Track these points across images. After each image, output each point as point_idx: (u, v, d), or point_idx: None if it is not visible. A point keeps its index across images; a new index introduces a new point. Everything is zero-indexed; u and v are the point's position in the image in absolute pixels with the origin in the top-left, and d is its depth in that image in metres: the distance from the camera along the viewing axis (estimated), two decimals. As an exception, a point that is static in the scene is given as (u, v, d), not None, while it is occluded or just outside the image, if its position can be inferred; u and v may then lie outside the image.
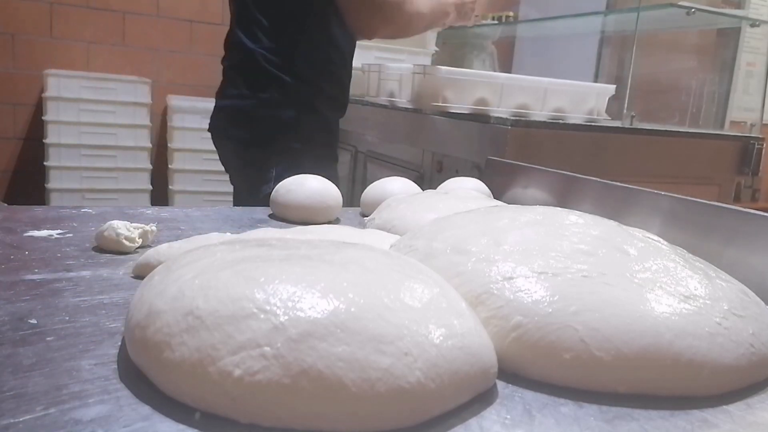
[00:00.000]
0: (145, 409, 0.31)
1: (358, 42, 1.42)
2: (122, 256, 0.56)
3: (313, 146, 1.24)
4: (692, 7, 1.65)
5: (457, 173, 1.32)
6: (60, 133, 2.59)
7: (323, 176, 1.23)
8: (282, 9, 1.21)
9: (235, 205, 1.39)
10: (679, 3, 1.64)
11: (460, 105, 1.40)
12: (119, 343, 0.38)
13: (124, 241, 0.57)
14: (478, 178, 0.89)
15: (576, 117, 1.48)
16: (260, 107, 1.22)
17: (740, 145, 1.54)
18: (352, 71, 1.38)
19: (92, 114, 2.63)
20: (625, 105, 1.63)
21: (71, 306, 0.44)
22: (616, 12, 2.24)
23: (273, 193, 0.78)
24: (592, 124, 1.48)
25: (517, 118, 1.34)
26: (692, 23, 1.86)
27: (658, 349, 0.36)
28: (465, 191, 0.82)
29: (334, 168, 1.32)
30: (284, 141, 1.22)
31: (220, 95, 1.30)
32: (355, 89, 1.83)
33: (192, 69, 2.84)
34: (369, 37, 1.29)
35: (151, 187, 2.74)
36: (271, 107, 1.21)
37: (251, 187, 1.27)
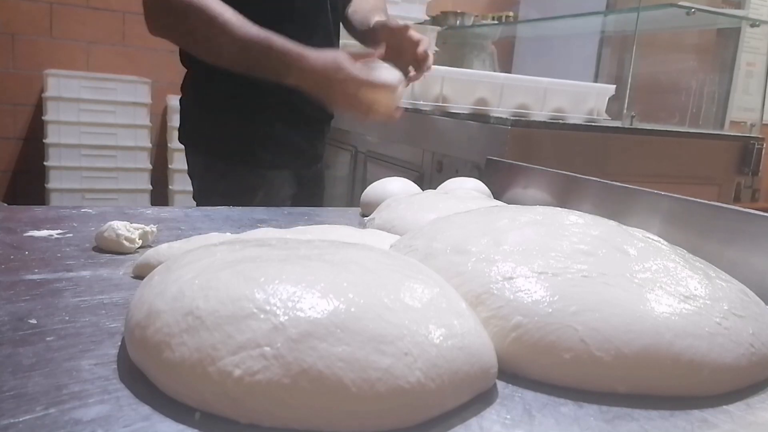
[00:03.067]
0: (145, 409, 0.31)
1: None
2: (122, 256, 0.56)
3: (225, 148, 1.09)
4: (692, 7, 1.65)
5: (457, 173, 1.32)
6: (60, 133, 2.59)
7: (243, 183, 1.05)
8: None
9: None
10: (679, 3, 1.64)
11: (460, 105, 1.40)
12: (119, 343, 0.38)
13: (124, 241, 0.57)
14: (478, 178, 0.89)
15: (576, 117, 1.48)
16: (182, 105, 1.18)
17: (740, 145, 1.54)
18: None
19: (92, 114, 2.63)
20: (625, 105, 1.63)
21: (71, 306, 0.44)
22: (616, 12, 2.24)
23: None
24: (592, 124, 1.47)
25: (517, 118, 1.34)
26: (692, 23, 1.86)
27: (658, 349, 0.36)
28: (465, 191, 0.82)
29: (260, 174, 1.10)
30: (195, 140, 1.14)
31: None
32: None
33: (192, 69, 2.84)
34: (150, 29, 0.96)
35: (151, 187, 2.74)
36: (184, 105, 1.16)
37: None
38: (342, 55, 0.91)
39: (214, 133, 1.10)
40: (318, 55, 0.91)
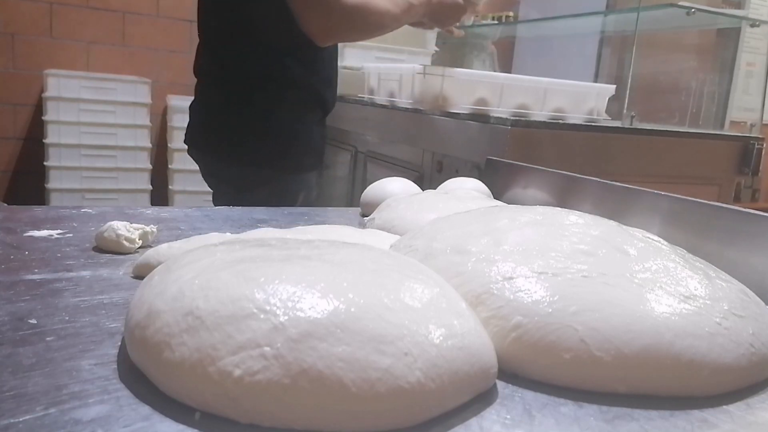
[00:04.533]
0: (145, 409, 0.31)
1: (357, 42, 1.38)
2: (122, 256, 0.56)
3: (276, 156, 1.14)
4: (692, 7, 1.65)
5: (457, 173, 1.32)
6: (60, 133, 2.59)
7: (289, 191, 1.14)
8: (242, 15, 1.12)
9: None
10: (679, 3, 1.64)
11: (460, 105, 1.40)
12: (119, 343, 0.38)
13: (124, 242, 0.57)
14: (478, 178, 0.89)
15: (576, 117, 1.48)
16: (218, 111, 1.17)
17: (740, 145, 1.54)
18: (351, 71, 1.37)
19: (92, 114, 2.63)
20: (625, 105, 1.63)
21: (71, 306, 0.44)
22: (616, 12, 2.24)
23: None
24: (592, 124, 1.47)
25: (517, 118, 1.34)
26: (692, 23, 1.86)
27: (658, 349, 0.36)
28: (465, 191, 0.82)
29: (302, 180, 1.19)
30: (242, 150, 1.14)
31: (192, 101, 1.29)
32: (355, 89, 1.84)
33: (192, 69, 2.84)
34: (324, 42, 1.11)
35: (151, 187, 2.74)
36: (228, 113, 1.15)
37: (216, 195, 1.24)
38: None
39: (254, 141, 1.13)
40: None
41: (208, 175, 1.24)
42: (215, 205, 1.16)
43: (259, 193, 1.14)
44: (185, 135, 1.25)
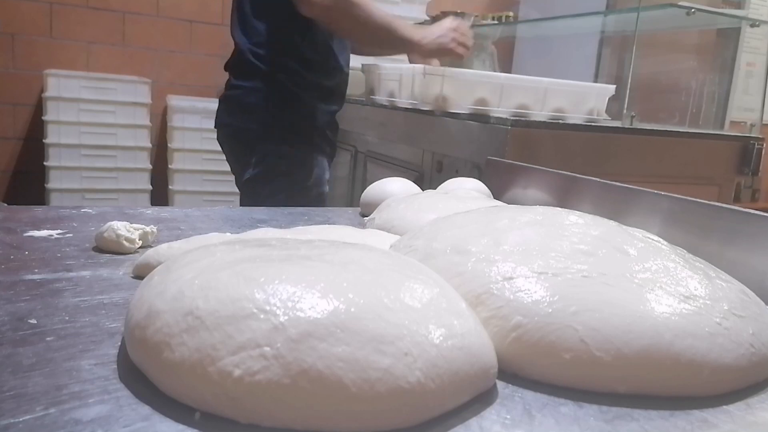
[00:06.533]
0: (145, 409, 0.31)
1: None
2: (122, 256, 0.56)
3: (294, 134, 1.29)
4: (692, 7, 1.65)
5: (457, 173, 1.32)
6: (60, 133, 2.59)
7: (304, 165, 1.30)
8: (270, 9, 1.29)
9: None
10: (679, 3, 1.64)
11: (460, 105, 1.40)
12: (119, 343, 0.38)
13: (124, 242, 0.57)
14: (478, 179, 0.89)
15: (576, 117, 1.48)
16: (247, 95, 1.30)
17: (740, 145, 1.54)
18: (350, 71, 1.41)
19: (92, 114, 2.62)
20: (625, 105, 1.63)
21: (71, 306, 0.44)
22: (616, 12, 2.24)
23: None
24: (592, 124, 1.47)
25: (517, 118, 1.34)
26: (692, 23, 1.86)
27: (658, 349, 0.36)
28: (465, 191, 0.82)
29: (315, 158, 1.33)
30: (266, 128, 1.28)
31: (221, 94, 1.41)
32: (355, 89, 1.84)
33: (192, 69, 2.84)
34: (306, 11, 1.27)
35: (151, 187, 2.74)
36: (256, 95, 1.28)
37: (237, 171, 1.35)
38: (429, 27, 1.42)
39: (273, 122, 1.29)
40: (423, 34, 1.39)
41: (232, 158, 1.38)
42: (237, 183, 1.35)
43: (279, 165, 1.29)
44: (215, 120, 1.38)
